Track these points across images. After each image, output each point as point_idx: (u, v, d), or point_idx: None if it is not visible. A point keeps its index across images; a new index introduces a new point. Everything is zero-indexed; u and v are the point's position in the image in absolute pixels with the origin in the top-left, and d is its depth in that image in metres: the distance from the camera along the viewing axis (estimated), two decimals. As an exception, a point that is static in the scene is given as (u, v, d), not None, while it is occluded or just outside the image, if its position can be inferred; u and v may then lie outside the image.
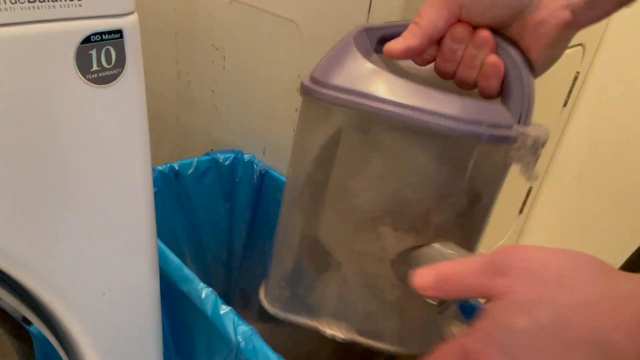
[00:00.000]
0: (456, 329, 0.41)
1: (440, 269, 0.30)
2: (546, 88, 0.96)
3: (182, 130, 0.99)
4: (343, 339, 0.43)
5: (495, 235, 1.14)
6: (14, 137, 0.33)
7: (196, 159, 0.79)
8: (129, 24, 0.36)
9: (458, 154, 0.37)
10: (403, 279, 0.40)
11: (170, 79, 0.95)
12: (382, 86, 0.37)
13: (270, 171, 0.79)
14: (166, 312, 0.54)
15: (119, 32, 0.35)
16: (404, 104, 0.36)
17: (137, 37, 0.37)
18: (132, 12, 0.36)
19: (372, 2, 0.58)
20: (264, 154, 0.82)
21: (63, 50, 0.33)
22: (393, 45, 0.39)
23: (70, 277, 0.41)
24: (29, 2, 0.31)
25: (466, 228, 0.40)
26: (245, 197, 0.83)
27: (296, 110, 0.73)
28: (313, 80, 0.40)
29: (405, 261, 0.39)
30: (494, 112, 0.37)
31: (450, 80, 0.41)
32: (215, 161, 0.80)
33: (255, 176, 0.81)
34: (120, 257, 0.44)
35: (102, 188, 0.39)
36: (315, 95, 0.39)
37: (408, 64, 0.42)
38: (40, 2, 0.31)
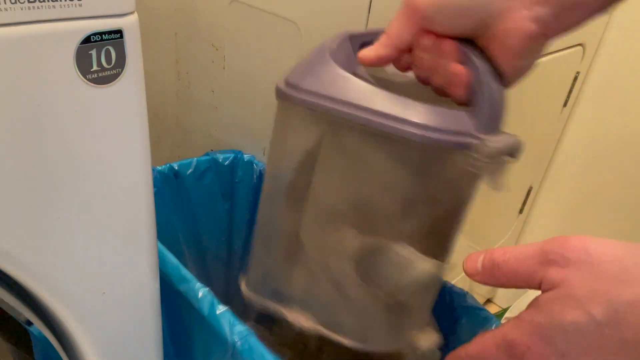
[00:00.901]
0: (425, 336, 0.42)
1: (492, 254, 0.29)
2: (546, 88, 0.96)
3: (182, 130, 0.99)
4: (307, 329, 0.45)
5: (495, 235, 1.14)
6: (13, 137, 0.33)
7: (196, 159, 0.79)
8: (129, 24, 0.36)
9: (420, 161, 0.38)
10: (365, 278, 0.41)
11: (170, 79, 0.95)
12: (347, 91, 0.38)
13: (270, 171, 0.79)
14: (165, 313, 0.53)
15: (119, 32, 0.35)
16: (366, 108, 0.37)
17: (137, 37, 0.37)
18: (132, 12, 0.36)
19: (372, 2, 0.58)
20: (264, 154, 0.82)
21: (63, 50, 0.33)
22: (365, 54, 0.41)
23: (70, 277, 0.41)
24: (29, 2, 0.31)
25: (432, 236, 0.41)
26: (245, 197, 0.83)
27: (296, 110, 0.73)
28: (287, 83, 0.43)
29: (366, 259, 0.41)
30: (456, 119, 0.37)
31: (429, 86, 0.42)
32: (214, 161, 0.80)
33: (255, 176, 0.81)
34: (120, 257, 0.44)
35: (102, 188, 0.39)
36: (288, 98, 0.42)
37: (393, 69, 0.44)
38: (40, 2, 0.31)
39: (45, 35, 0.32)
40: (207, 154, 0.81)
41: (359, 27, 0.60)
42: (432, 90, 0.42)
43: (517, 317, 0.27)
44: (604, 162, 1.10)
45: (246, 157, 0.82)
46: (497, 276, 0.29)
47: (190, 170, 0.78)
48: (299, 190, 0.43)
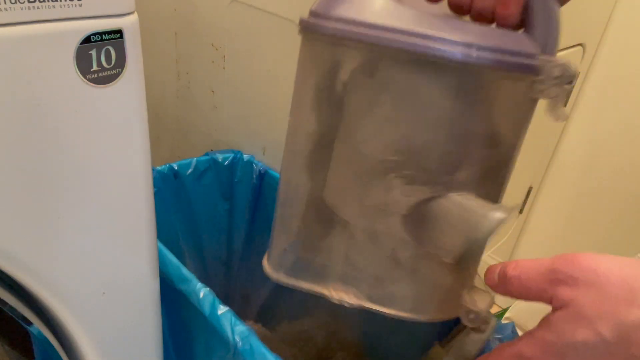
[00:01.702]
0: (480, 297, 0.38)
1: (505, 268, 0.30)
2: (546, 88, 0.95)
3: (182, 130, 0.99)
4: (351, 305, 0.40)
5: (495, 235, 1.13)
6: (13, 137, 0.33)
7: (195, 159, 0.79)
8: (129, 24, 0.36)
9: (477, 88, 0.34)
10: (416, 236, 0.37)
11: (170, 79, 0.95)
12: (391, 16, 0.33)
13: (270, 171, 0.79)
14: (165, 312, 0.53)
15: (119, 32, 0.35)
16: (417, 33, 0.32)
17: (137, 37, 0.37)
18: (132, 12, 0.36)
19: None
20: (264, 154, 0.82)
21: (63, 50, 0.33)
22: None
23: (70, 277, 0.41)
24: (29, 2, 0.31)
25: (487, 177, 0.36)
26: (244, 197, 0.83)
27: (296, 110, 0.73)
28: (313, 14, 0.36)
29: (419, 215, 0.36)
30: (516, 40, 0.33)
31: (466, 16, 0.37)
32: (214, 161, 0.80)
33: (254, 176, 0.81)
34: (120, 257, 0.44)
35: (102, 188, 0.39)
36: (316, 29, 0.35)
37: (418, 5, 0.38)
38: (40, 2, 0.31)
39: (45, 35, 0.32)
40: (206, 154, 0.81)
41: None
42: (470, 18, 0.38)
43: (531, 334, 0.27)
44: (604, 162, 1.10)
45: (246, 157, 0.82)
46: (511, 290, 0.30)
47: (189, 170, 0.78)
48: (336, 142, 0.37)
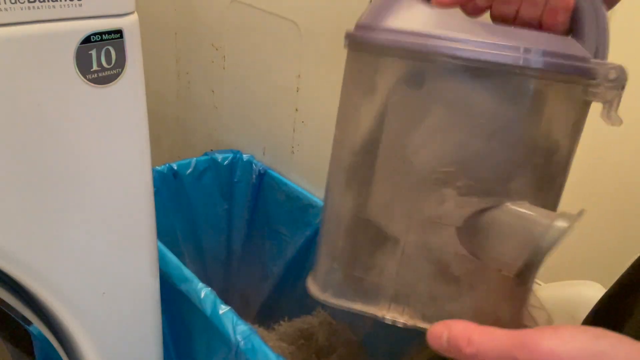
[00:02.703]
0: (536, 312, 0.36)
1: (456, 338, 0.28)
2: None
3: (182, 130, 0.99)
4: (405, 325, 0.38)
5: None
6: (13, 137, 0.33)
7: (195, 159, 0.79)
8: (129, 24, 0.36)
9: (532, 94, 0.33)
10: (473, 249, 0.36)
11: (170, 79, 0.95)
12: (443, 24, 0.33)
13: (269, 171, 0.79)
14: (165, 312, 0.54)
15: (119, 32, 0.35)
16: (471, 40, 0.32)
17: (137, 37, 0.37)
18: (132, 12, 0.36)
19: (371, 3, 0.58)
20: (263, 154, 0.82)
21: (63, 50, 0.33)
22: None
23: (70, 277, 0.41)
24: (29, 2, 0.31)
25: (543, 185, 0.36)
26: (244, 197, 0.83)
27: (296, 110, 0.73)
28: (360, 27, 0.35)
29: (475, 227, 0.35)
30: (568, 44, 0.33)
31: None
32: (214, 161, 0.80)
33: (254, 176, 0.81)
34: (120, 257, 0.44)
35: (102, 188, 0.39)
36: (365, 41, 0.34)
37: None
38: (40, 2, 0.31)
39: (45, 35, 0.32)
40: (206, 154, 0.81)
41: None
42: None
43: None
44: (605, 162, 1.10)
45: (245, 157, 0.82)
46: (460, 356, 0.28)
47: (189, 170, 0.78)
48: (385, 155, 0.37)
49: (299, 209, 0.75)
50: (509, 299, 0.38)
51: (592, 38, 0.34)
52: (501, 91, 0.33)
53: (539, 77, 0.33)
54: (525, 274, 0.34)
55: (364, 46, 0.35)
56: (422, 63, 0.34)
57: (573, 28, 0.35)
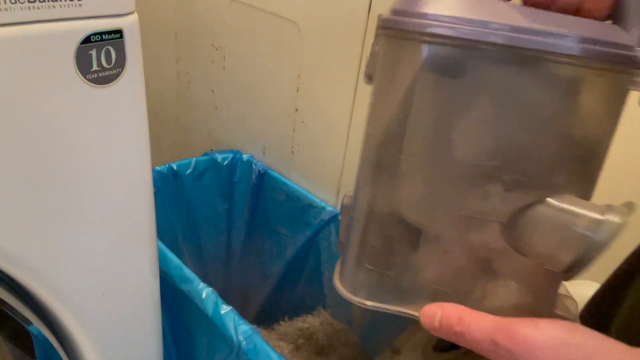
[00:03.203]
0: (568, 302, 0.36)
1: (450, 320, 0.30)
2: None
3: (182, 130, 0.99)
4: None
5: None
6: (13, 137, 0.33)
7: (195, 159, 0.79)
8: (129, 24, 0.36)
9: (578, 83, 0.33)
10: (516, 245, 0.35)
11: (170, 79, 0.95)
12: (485, 9, 0.31)
13: (269, 171, 0.79)
14: (166, 312, 0.54)
15: (119, 32, 0.35)
16: (520, 27, 0.31)
17: (137, 37, 0.37)
18: (132, 12, 0.36)
19: (372, 2, 0.58)
20: (263, 154, 0.82)
21: (63, 50, 0.33)
22: None
23: (70, 277, 0.41)
24: (29, 2, 0.31)
25: (582, 176, 0.35)
26: (243, 197, 0.83)
27: (296, 110, 0.73)
28: (397, 12, 0.33)
29: (520, 223, 0.34)
30: (614, 32, 0.32)
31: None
32: (213, 161, 0.80)
33: (253, 176, 0.82)
34: (120, 257, 0.44)
35: (102, 188, 0.39)
36: (405, 27, 0.32)
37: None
38: (40, 2, 0.31)
39: (45, 35, 0.32)
40: (205, 154, 0.81)
41: (359, 28, 0.60)
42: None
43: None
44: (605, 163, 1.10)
45: (245, 157, 0.82)
46: (456, 341, 0.30)
47: (189, 170, 0.78)
48: (423, 150, 0.36)
49: (299, 209, 0.75)
50: (546, 291, 0.37)
51: (635, 25, 0.33)
52: (546, 80, 0.32)
53: (587, 65, 0.32)
54: (573, 270, 0.33)
55: (402, 33, 0.33)
56: (466, 51, 0.32)
57: (615, 15, 0.34)
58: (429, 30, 0.32)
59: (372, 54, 0.37)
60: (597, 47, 0.31)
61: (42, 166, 0.35)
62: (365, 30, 0.59)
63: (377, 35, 0.36)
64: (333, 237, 0.73)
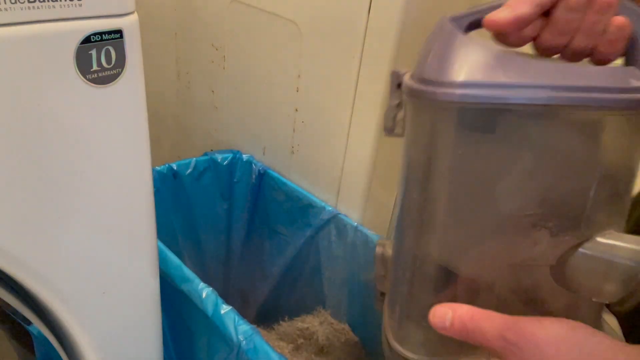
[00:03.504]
0: (608, 317, 0.38)
1: (462, 317, 0.32)
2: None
3: (182, 130, 0.99)
4: None
5: None
6: (13, 137, 0.33)
7: (194, 159, 0.79)
8: (128, 24, 0.36)
9: (607, 128, 0.34)
10: (567, 285, 0.36)
11: (170, 79, 0.95)
12: (512, 68, 0.32)
13: (269, 171, 0.79)
14: (166, 312, 0.54)
15: (119, 32, 0.35)
16: (547, 85, 0.32)
17: (137, 37, 0.37)
18: (132, 12, 0.36)
19: (372, 3, 0.58)
20: (263, 154, 0.82)
21: (63, 50, 0.33)
22: (498, 15, 0.33)
23: (70, 277, 0.41)
24: (29, 2, 0.31)
25: (617, 209, 0.37)
26: (243, 197, 0.83)
27: (296, 110, 0.73)
28: (425, 81, 0.34)
29: (568, 263, 0.36)
30: (633, 75, 0.33)
31: (554, 55, 0.37)
32: (213, 161, 0.80)
33: (253, 176, 0.82)
34: (120, 257, 0.44)
35: (102, 188, 0.39)
36: (436, 98, 0.33)
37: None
38: (40, 2, 0.31)
39: (45, 35, 0.32)
40: (205, 154, 0.81)
41: (359, 28, 0.60)
42: (560, 58, 0.37)
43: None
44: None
45: (245, 157, 0.82)
46: (467, 339, 0.32)
47: (189, 171, 0.78)
48: (469, 206, 0.37)
49: (299, 209, 0.75)
50: (592, 318, 0.39)
51: None
52: (578, 127, 0.34)
53: (613, 113, 0.33)
54: (626, 300, 0.36)
55: (434, 102, 0.34)
56: (498, 113, 0.33)
57: (630, 57, 0.35)
58: (464, 100, 0.32)
59: (391, 109, 0.38)
60: (623, 96, 0.32)
61: (42, 166, 0.35)
62: (365, 31, 0.59)
63: (397, 95, 0.37)
64: (333, 237, 0.73)
